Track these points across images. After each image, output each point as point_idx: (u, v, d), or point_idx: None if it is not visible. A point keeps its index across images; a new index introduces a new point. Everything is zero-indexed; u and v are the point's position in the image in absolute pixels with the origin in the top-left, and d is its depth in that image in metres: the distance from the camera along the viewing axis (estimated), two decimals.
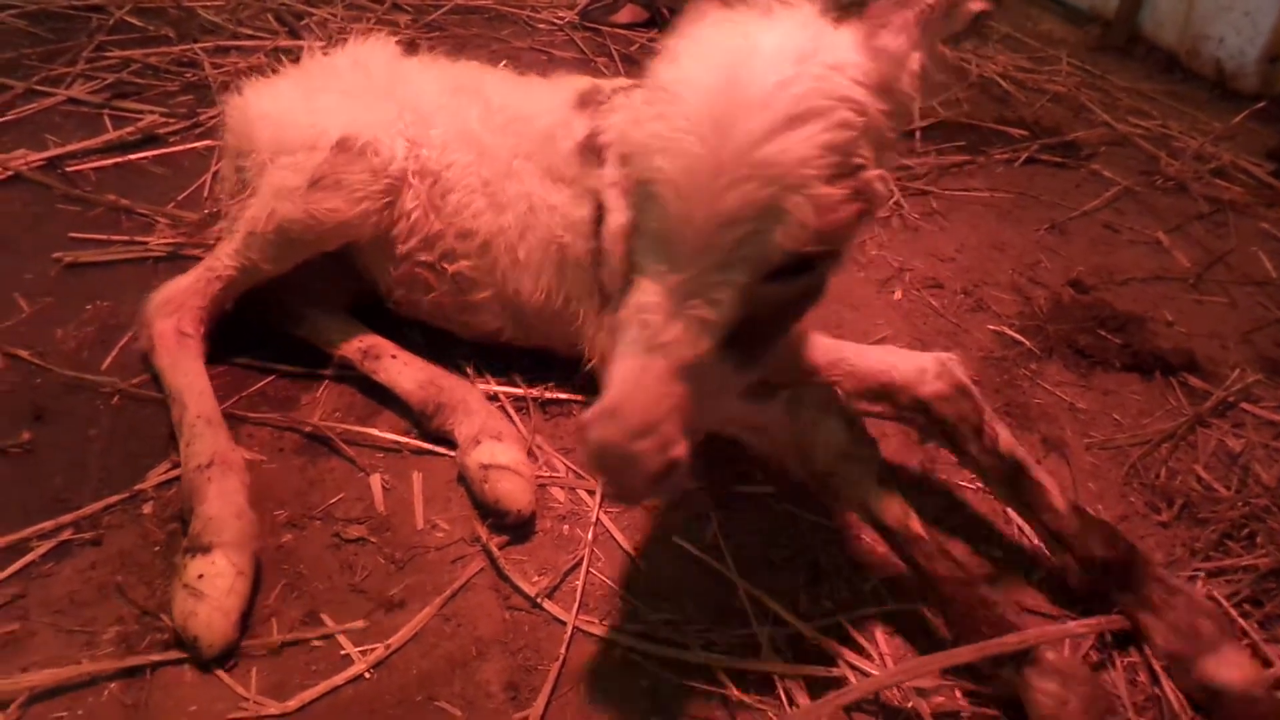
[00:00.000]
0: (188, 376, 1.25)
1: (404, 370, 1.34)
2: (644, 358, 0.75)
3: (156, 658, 0.99)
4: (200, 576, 1.01)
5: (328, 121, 1.32)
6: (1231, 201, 2.11)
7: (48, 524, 1.12)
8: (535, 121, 1.31)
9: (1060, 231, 1.95)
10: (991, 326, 1.63)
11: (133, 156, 1.87)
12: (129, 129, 1.91)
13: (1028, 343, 1.59)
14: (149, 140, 1.92)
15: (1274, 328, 1.70)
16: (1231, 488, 1.31)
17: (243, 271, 1.33)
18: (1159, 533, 1.26)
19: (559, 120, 1.28)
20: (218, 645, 0.98)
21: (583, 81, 1.34)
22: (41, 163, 1.79)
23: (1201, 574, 1.18)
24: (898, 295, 1.70)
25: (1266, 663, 1.05)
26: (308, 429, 1.28)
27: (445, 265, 1.36)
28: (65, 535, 1.11)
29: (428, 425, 1.29)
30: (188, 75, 2.18)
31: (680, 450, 0.74)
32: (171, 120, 1.97)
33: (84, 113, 2.00)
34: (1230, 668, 1.00)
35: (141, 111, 2.00)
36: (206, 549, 1.03)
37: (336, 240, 1.32)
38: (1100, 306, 1.68)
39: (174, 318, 1.30)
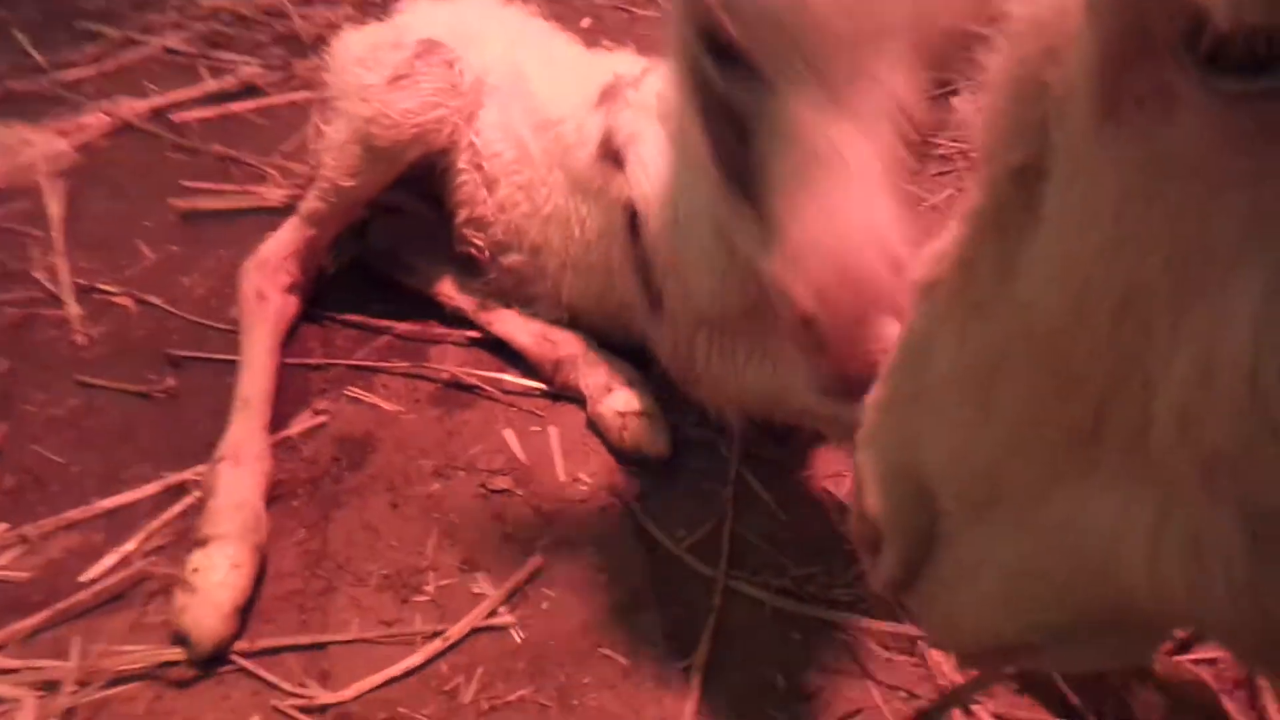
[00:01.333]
0: (252, 349, 1.25)
1: (518, 322, 1.35)
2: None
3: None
4: (195, 570, 0.99)
5: (415, 25, 1.34)
6: None
7: (202, 467, 1.14)
8: (562, 127, 1.26)
9: None
10: None
11: (234, 107, 1.87)
12: (229, 80, 1.91)
13: None
14: (248, 91, 1.92)
15: None
16: None
17: (329, 202, 1.32)
18: None
19: (578, 125, 1.23)
20: (207, 643, 0.96)
21: (608, 68, 1.28)
22: (148, 112, 1.81)
23: None
24: None
25: None
26: (444, 376, 1.30)
27: (500, 257, 1.35)
28: None
29: (551, 381, 1.30)
30: (276, 26, 2.17)
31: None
32: (267, 70, 1.98)
33: (180, 62, 2.01)
34: None
35: (236, 62, 2.01)
36: (204, 542, 1.02)
37: (414, 149, 1.30)
38: None
39: (257, 277, 1.31)
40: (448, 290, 1.39)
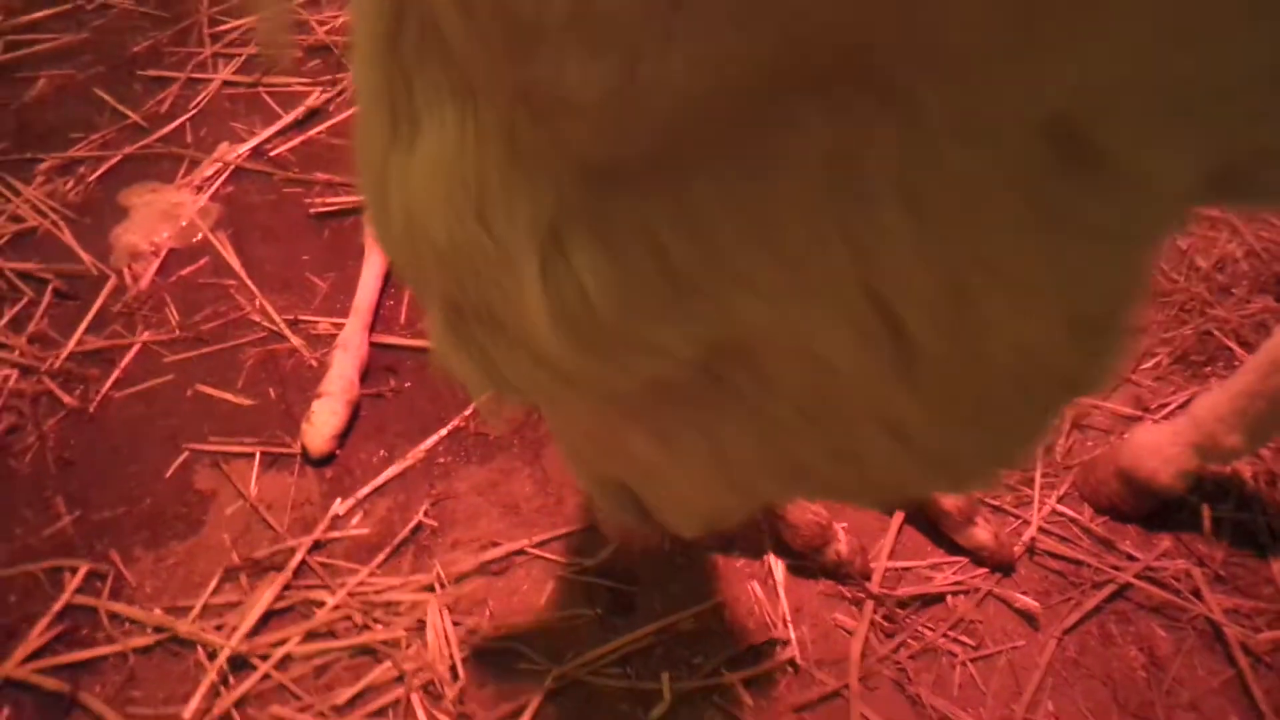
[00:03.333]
0: (367, 273, 1.87)
1: None
2: None
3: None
4: (313, 412, 1.67)
5: None
6: None
7: (444, 430, 1.72)
8: None
9: None
10: None
11: (310, 133, 2.28)
12: (299, 110, 2.31)
13: None
14: (313, 115, 2.33)
15: None
16: (1182, 276, 1.97)
17: None
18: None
19: None
20: (314, 452, 1.63)
21: None
22: (249, 154, 2.22)
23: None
24: None
25: None
26: None
27: None
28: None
29: None
30: (302, 39, 2.52)
31: None
32: (321, 89, 2.36)
33: (243, 95, 2.38)
34: None
35: (290, 84, 2.39)
36: (319, 396, 1.68)
37: None
38: None
39: None
40: None
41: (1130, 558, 1.57)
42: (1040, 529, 1.59)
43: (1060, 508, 1.63)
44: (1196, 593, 1.53)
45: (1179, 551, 1.58)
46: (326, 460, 1.67)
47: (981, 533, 1.54)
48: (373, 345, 1.82)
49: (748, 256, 0.37)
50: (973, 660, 1.47)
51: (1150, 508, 1.59)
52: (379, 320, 1.87)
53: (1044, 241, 0.36)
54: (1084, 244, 0.37)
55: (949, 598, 1.53)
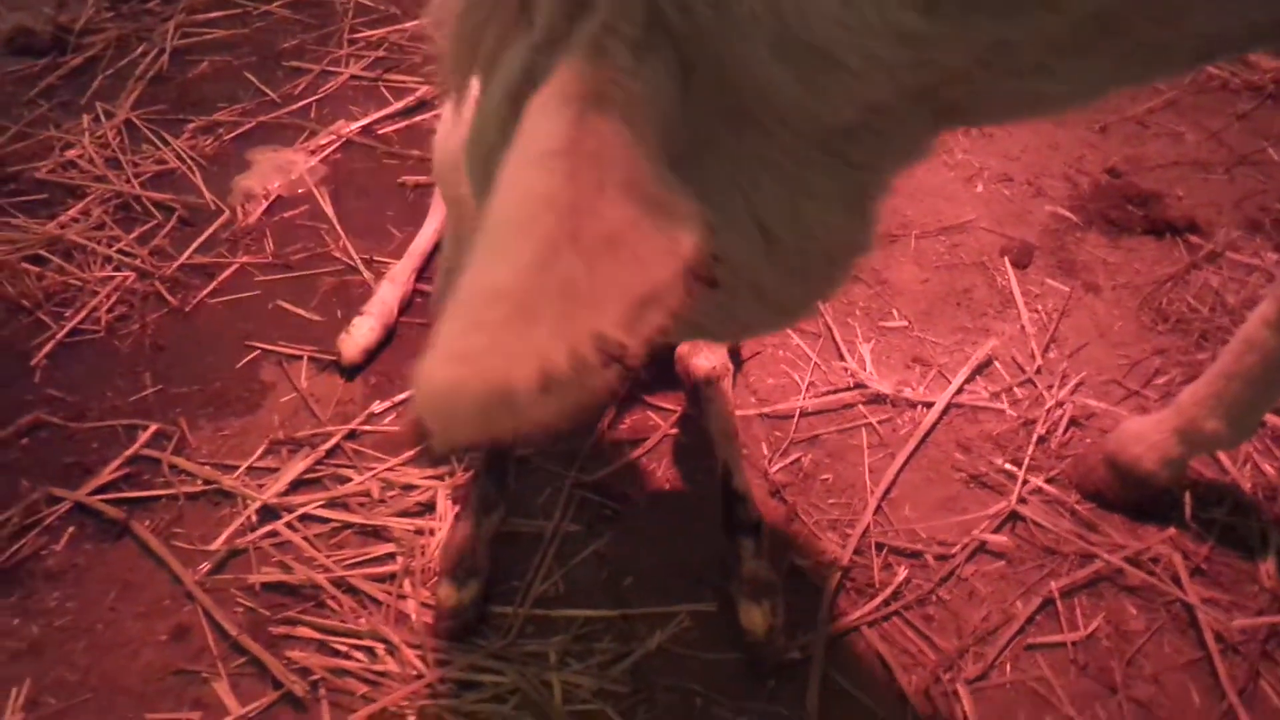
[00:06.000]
0: (426, 225, 2.11)
1: None
2: None
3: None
4: (353, 325, 1.88)
5: None
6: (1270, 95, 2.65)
7: None
8: None
9: (1102, 131, 2.57)
10: (1049, 208, 2.30)
11: (416, 119, 2.59)
12: (409, 99, 2.63)
13: (1074, 218, 2.26)
14: (422, 105, 2.64)
15: (1259, 196, 2.33)
16: (1207, 307, 2.00)
17: None
18: (1157, 339, 1.96)
19: None
20: (346, 360, 1.84)
21: None
22: (360, 130, 2.54)
23: (1178, 378, 1.89)
24: (979, 188, 2.37)
25: None
26: None
27: None
28: None
29: None
30: (426, 48, 2.87)
31: None
32: (432, 86, 2.68)
33: (364, 86, 2.72)
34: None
35: (406, 80, 2.72)
36: (361, 314, 1.89)
37: None
38: (1128, 187, 2.33)
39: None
40: None
41: (1113, 542, 1.60)
42: (1022, 500, 1.64)
43: (1047, 487, 1.67)
44: (1176, 579, 1.54)
45: (1163, 543, 1.60)
46: (357, 369, 1.88)
47: (758, 615, 1.42)
48: (416, 289, 2.04)
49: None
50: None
51: (1136, 498, 1.62)
52: (430, 269, 2.10)
53: (831, 173, 0.65)
54: (851, 170, 0.65)
55: (928, 555, 1.59)
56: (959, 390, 1.85)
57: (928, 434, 1.77)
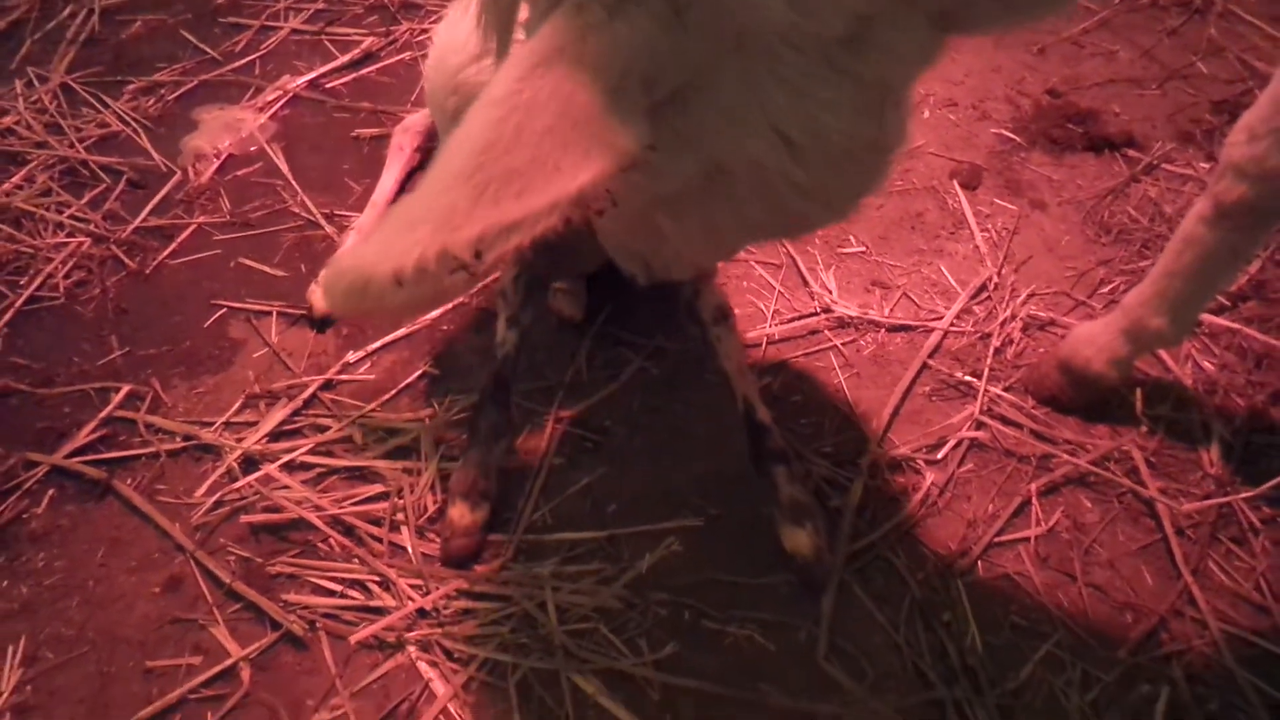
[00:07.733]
0: (387, 177, 2.08)
1: None
2: None
3: None
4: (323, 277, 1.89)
5: None
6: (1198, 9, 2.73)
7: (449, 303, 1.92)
8: None
9: (1040, 52, 2.63)
10: (993, 130, 2.37)
11: (363, 72, 2.55)
12: (355, 52, 2.59)
13: (1018, 138, 2.33)
14: (368, 58, 2.60)
15: (1191, 109, 2.42)
16: (1147, 218, 2.09)
17: None
18: (1101, 251, 2.05)
19: None
20: (318, 311, 1.86)
21: None
22: (306, 85, 2.50)
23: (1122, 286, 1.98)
24: (926, 114, 2.43)
25: None
26: None
27: None
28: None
29: None
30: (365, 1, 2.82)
31: None
32: (376, 39, 2.65)
33: (307, 40, 2.68)
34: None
35: (348, 33, 2.68)
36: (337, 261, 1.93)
37: None
38: (1068, 107, 2.40)
39: (400, 136, 2.11)
40: None
41: (1075, 443, 1.68)
42: (985, 409, 1.72)
43: (1003, 394, 1.75)
44: (1134, 473, 1.63)
45: (1120, 440, 1.69)
46: (328, 322, 1.89)
47: (804, 537, 1.47)
48: None
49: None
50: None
51: (1087, 398, 1.71)
52: None
53: (844, 87, 0.69)
54: (858, 81, 0.69)
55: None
56: (959, 315, 1.92)
57: (933, 353, 1.84)
